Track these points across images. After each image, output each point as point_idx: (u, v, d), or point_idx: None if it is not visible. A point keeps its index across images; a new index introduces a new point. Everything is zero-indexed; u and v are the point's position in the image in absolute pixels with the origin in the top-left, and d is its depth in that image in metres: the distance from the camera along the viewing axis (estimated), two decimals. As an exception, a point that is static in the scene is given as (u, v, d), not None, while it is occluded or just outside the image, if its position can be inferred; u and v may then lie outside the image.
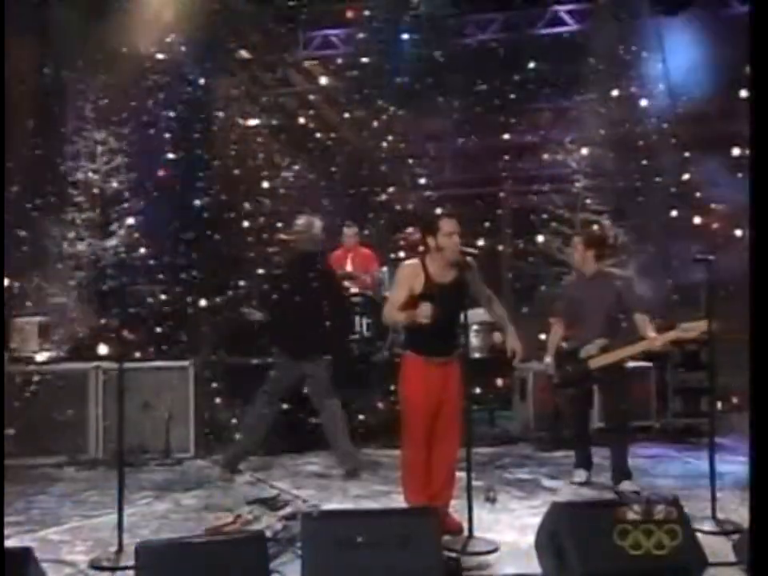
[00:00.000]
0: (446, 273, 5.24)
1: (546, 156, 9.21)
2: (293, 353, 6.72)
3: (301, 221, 6.90)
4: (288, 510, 5.63)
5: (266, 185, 10.18)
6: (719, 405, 6.56)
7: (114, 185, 8.50)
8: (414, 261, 5.30)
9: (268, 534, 5.09)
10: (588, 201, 8.96)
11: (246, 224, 10.10)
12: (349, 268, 8.83)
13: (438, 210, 10.02)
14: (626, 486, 6.15)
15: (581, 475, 6.54)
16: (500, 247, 10.30)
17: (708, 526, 5.34)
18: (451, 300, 5.16)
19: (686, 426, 8.17)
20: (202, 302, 9.17)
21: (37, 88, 8.37)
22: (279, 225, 10.07)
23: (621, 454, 6.27)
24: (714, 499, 5.48)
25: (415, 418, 5.27)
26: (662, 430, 8.19)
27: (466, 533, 5.11)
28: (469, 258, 5.20)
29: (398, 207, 10.38)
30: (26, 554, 3.93)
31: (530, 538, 4.82)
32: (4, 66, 7.17)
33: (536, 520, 5.14)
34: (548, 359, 6.57)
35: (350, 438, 6.92)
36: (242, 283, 9.83)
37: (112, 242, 8.16)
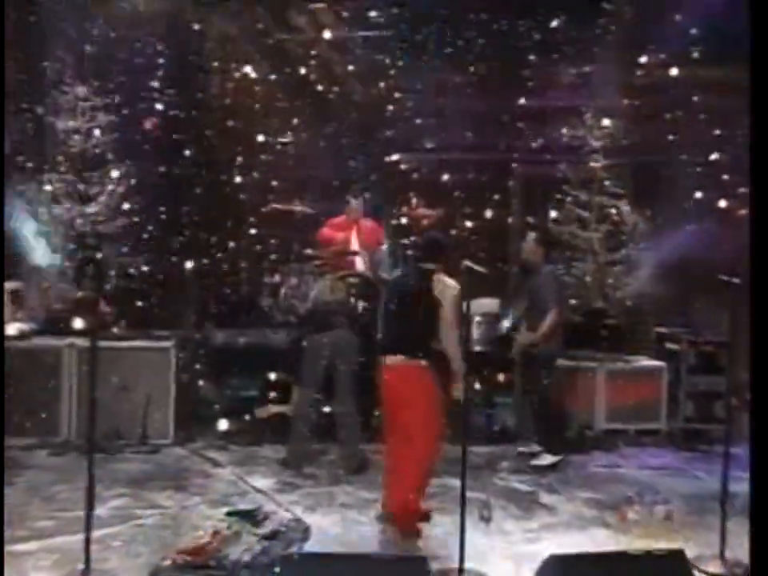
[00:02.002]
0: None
1: (564, 129, 8.54)
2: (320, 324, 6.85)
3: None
4: (269, 527, 5.32)
5: (261, 138, 9.52)
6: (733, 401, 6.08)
7: (96, 140, 7.85)
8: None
9: (246, 557, 4.83)
10: (606, 183, 8.34)
11: (238, 179, 9.52)
12: (355, 246, 8.15)
13: (446, 176, 9.56)
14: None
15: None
16: (509, 220, 9.67)
17: (714, 567, 4.93)
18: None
19: (697, 432, 7.73)
20: (188, 264, 8.66)
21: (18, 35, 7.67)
22: (274, 183, 9.52)
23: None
24: (723, 534, 5.04)
25: (384, 416, 5.77)
26: (671, 434, 7.77)
27: (456, 564, 4.73)
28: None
29: (402, 168, 9.75)
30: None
31: (524, 571, 4.59)
32: (4, 66, 6.61)
33: (531, 548, 5.09)
34: None
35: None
36: (232, 244, 9.33)
37: (92, 208, 7.54)
